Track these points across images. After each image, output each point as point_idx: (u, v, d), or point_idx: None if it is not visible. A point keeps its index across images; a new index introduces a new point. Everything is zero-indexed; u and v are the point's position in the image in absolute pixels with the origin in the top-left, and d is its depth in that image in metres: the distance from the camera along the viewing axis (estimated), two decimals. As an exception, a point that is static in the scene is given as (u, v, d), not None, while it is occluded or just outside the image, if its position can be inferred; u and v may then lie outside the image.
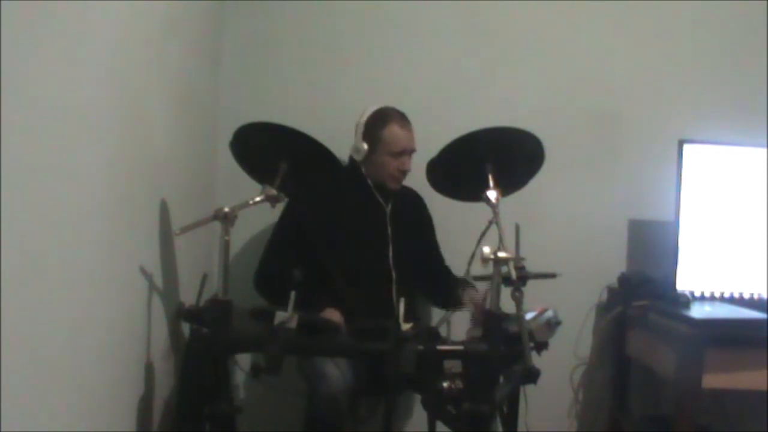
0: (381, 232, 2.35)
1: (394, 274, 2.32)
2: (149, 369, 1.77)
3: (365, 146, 2.30)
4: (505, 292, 1.63)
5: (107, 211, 1.43)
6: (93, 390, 1.38)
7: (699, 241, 2.49)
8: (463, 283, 2.13)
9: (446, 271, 2.49)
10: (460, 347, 1.72)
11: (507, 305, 1.65)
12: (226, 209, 1.70)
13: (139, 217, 1.69)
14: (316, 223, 2.30)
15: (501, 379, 1.71)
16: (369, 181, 2.35)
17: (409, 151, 2.32)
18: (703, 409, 2.22)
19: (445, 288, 2.35)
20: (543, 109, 2.69)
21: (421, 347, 1.65)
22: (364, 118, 2.33)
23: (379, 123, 2.31)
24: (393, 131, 2.29)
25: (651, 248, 2.72)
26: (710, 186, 2.50)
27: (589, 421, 2.78)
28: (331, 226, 2.30)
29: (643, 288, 2.48)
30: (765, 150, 2.51)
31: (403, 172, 2.33)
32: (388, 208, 2.38)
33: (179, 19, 1.97)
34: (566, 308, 2.02)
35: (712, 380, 2.12)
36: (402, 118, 2.33)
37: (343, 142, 2.34)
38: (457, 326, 2.13)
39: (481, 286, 2.06)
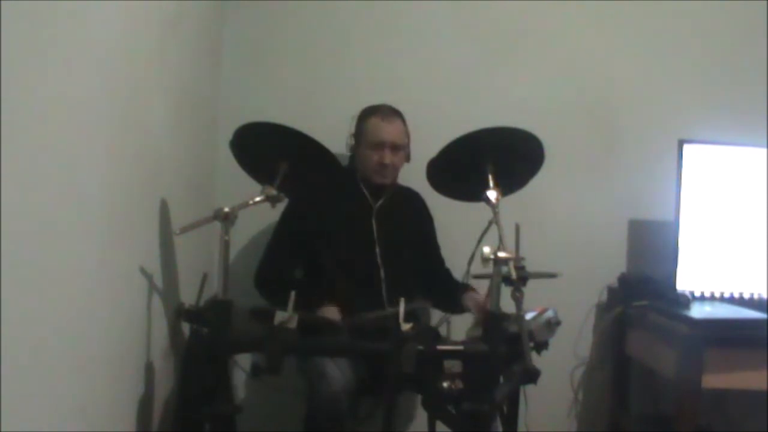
0: (367, 229, 2.34)
1: (382, 273, 2.31)
2: (149, 369, 1.77)
3: (352, 139, 2.33)
4: (505, 292, 1.63)
5: (107, 211, 1.43)
6: (93, 390, 1.38)
7: (699, 241, 2.49)
8: (464, 287, 2.13)
9: (446, 274, 2.48)
10: (460, 347, 1.72)
11: (507, 305, 1.65)
12: (226, 209, 1.69)
13: (139, 217, 1.68)
14: (313, 221, 2.30)
15: (501, 379, 1.70)
16: (358, 177, 2.36)
17: (389, 145, 2.29)
18: (703, 409, 2.22)
19: (446, 292, 2.33)
20: (543, 109, 2.70)
21: (421, 347, 1.65)
22: (356, 113, 2.35)
23: (364, 116, 2.33)
24: (372, 123, 2.30)
25: (651, 248, 2.73)
26: (710, 186, 2.50)
27: (589, 421, 2.78)
28: (325, 223, 2.31)
29: (643, 288, 2.49)
30: (765, 150, 2.51)
31: (383, 166, 2.29)
32: (377, 206, 2.37)
33: (179, 18, 1.97)
34: (566, 308, 2.02)
35: (712, 380, 2.12)
36: (389, 112, 2.32)
37: (342, 141, 2.34)
38: (457, 326, 2.13)
39: (482, 288, 2.06)
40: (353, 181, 2.36)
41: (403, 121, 2.35)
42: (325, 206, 2.30)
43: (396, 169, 2.35)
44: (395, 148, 2.31)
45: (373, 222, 2.35)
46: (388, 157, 2.29)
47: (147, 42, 1.68)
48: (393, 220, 2.38)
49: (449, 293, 2.29)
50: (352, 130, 2.35)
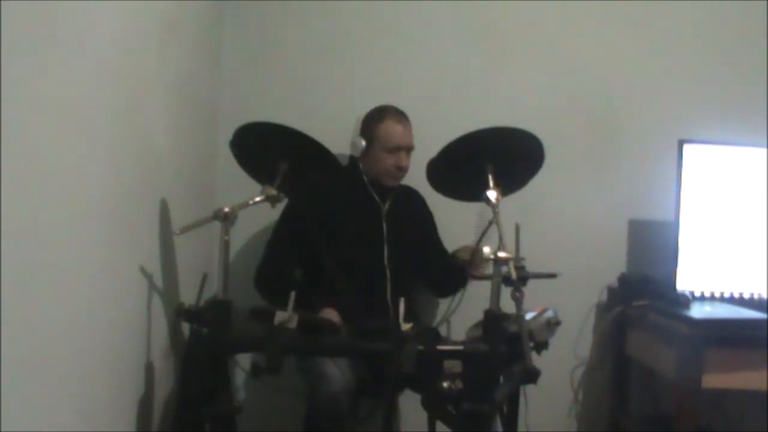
0: (376, 230, 2.35)
1: (388, 273, 2.32)
2: (149, 369, 1.77)
3: (363, 142, 2.31)
4: (505, 292, 1.63)
5: (107, 211, 1.43)
6: (93, 390, 1.38)
7: (699, 241, 2.49)
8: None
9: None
10: (460, 347, 1.72)
11: (507, 305, 1.65)
12: (226, 209, 1.70)
13: (139, 216, 1.69)
14: (314, 221, 2.30)
15: (501, 379, 1.71)
16: (365, 179, 2.36)
17: (405, 148, 2.32)
18: (703, 409, 2.22)
19: (451, 274, 2.35)
20: (543, 109, 2.69)
21: (421, 347, 1.65)
22: (362, 115, 2.35)
23: (375, 119, 2.33)
24: (388, 126, 2.31)
25: (651, 248, 2.72)
26: (710, 186, 2.50)
27: (589, 421, 2.78)
28: (329, 224, 2.31)
29: (643, 288, 2.48)
30: (765, 150, 2.51)
31: (400, 169, 2.33)
32: (385, 207, 2.38)
33: (179, 18, 1.97)
34: (566, 308, 2.02)
35: (712, 380, 2.12)
36: (399, 115, 2.34)
37: (343, 142, 2.34)
38: (457, 326, 2.13)
39: (484, 289, 2.05)
40: (360, 182, 2.37)
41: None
42: (330, 207, 2.30)
43: (406, 171, 2.37)
44: (409, 150, 2.33)
45: (383, 223, 2.36)
46: (405, 160, 2.32)
47: (147, 42, 1.69)
48: (400, 221, 2.40)
49: (454, 272, 2.31)
50: (359, 131, 2.35)
